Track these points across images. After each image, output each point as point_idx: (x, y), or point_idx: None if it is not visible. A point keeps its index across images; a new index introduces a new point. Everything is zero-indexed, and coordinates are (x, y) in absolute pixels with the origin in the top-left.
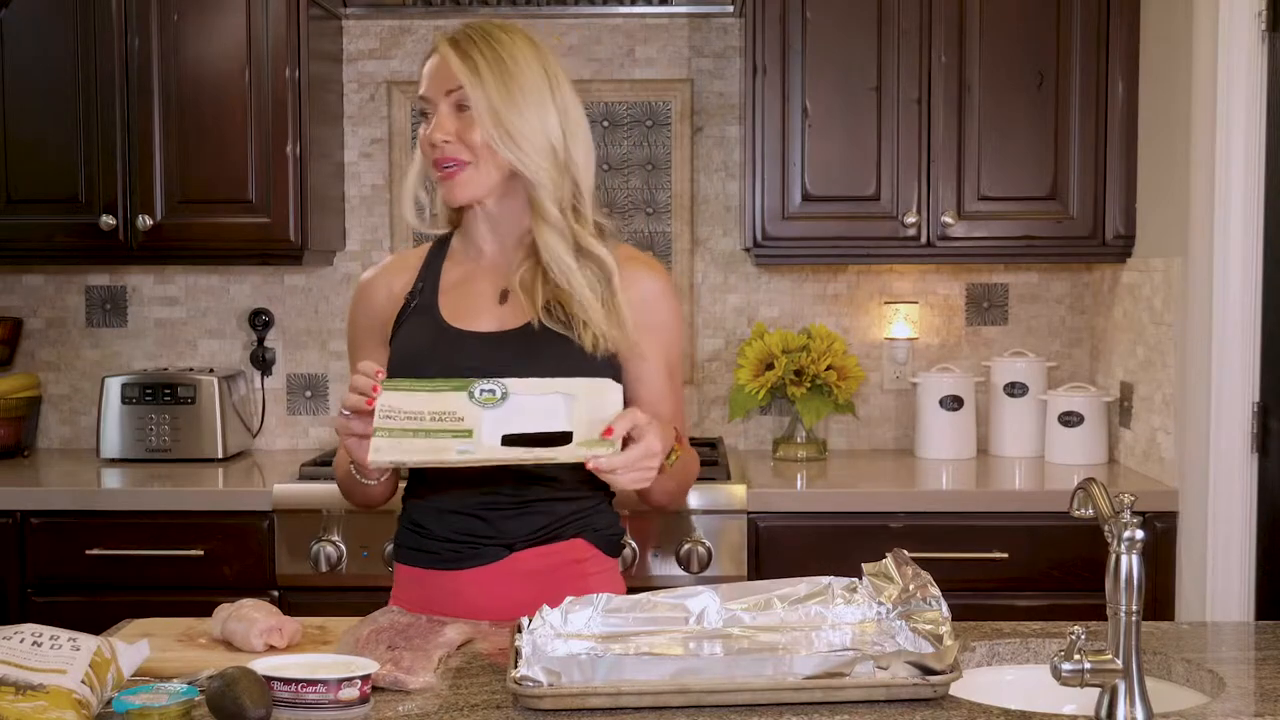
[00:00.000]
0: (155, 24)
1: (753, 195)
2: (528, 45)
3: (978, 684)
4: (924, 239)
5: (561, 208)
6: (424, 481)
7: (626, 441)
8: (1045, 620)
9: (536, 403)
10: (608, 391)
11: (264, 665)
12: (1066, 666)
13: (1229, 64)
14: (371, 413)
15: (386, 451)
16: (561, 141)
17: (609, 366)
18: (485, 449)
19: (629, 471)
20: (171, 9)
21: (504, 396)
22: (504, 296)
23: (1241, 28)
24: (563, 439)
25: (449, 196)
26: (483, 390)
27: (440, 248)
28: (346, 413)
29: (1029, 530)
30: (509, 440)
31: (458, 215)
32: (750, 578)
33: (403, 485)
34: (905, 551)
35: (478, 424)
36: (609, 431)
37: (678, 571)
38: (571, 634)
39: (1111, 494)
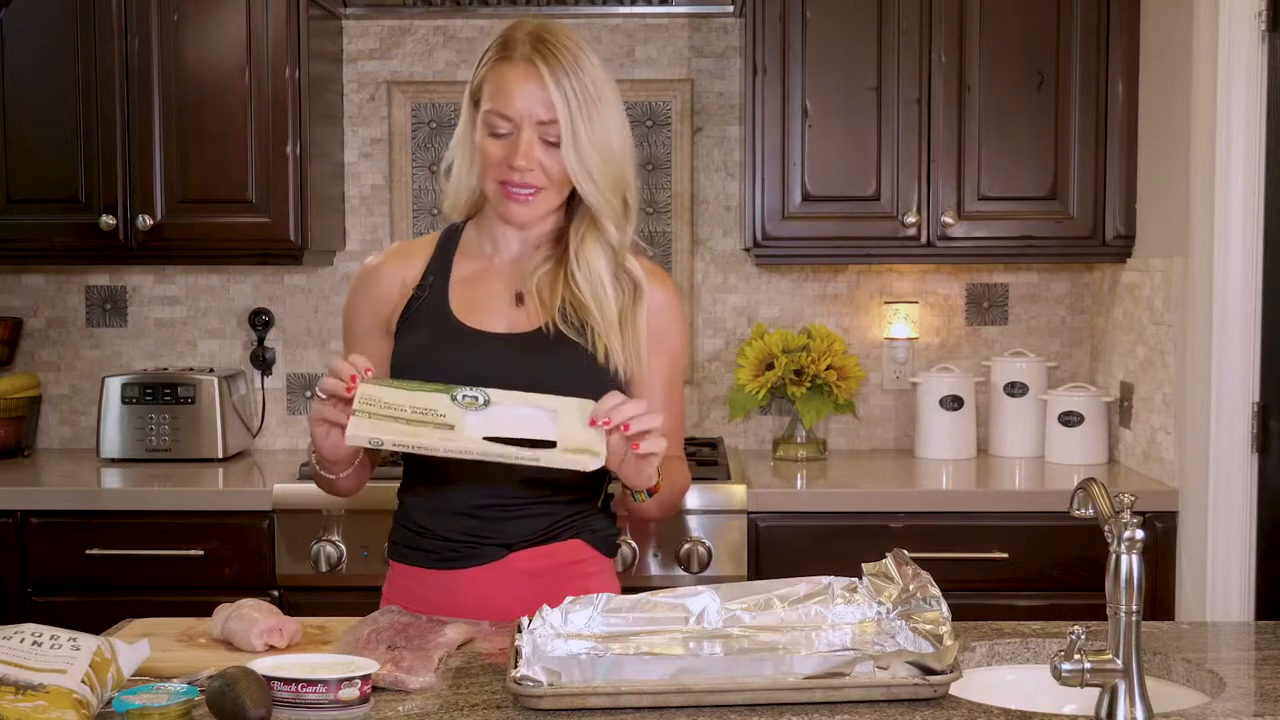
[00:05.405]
0: (155, 24)
1: (753, 195)
2: (599, 61)
3: (978, 684)
4: (924, 239)
5: (618, 227)
6: (423, 480)
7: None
8: (1045, 620)
9: (519, 412)
10: (590, 411)
11: (264, 665)
12: (1066, 666)
13: (1229, 64)
14: (347, 400)
15: (365, 429)
16: (625, 162)
17: (617, 377)
18: (466, 439)
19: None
20: (171, 9)
21: (486, 403)
22: (519, 299)
23: (1241, 28)
24: (545, 445)
25: (515, 216)
26: (465, 395)
27: (449, 239)
28: (322, 396)
29: (1029, 530)
30: (491, 440)
31: (473, 207)
32: (750, 578)
33: (399, 483)
34: (905, 551)
35: (459, 421)
36: (593, 422)
37: (678, 571)
38: (571, 634)
39: (1111, 494)
